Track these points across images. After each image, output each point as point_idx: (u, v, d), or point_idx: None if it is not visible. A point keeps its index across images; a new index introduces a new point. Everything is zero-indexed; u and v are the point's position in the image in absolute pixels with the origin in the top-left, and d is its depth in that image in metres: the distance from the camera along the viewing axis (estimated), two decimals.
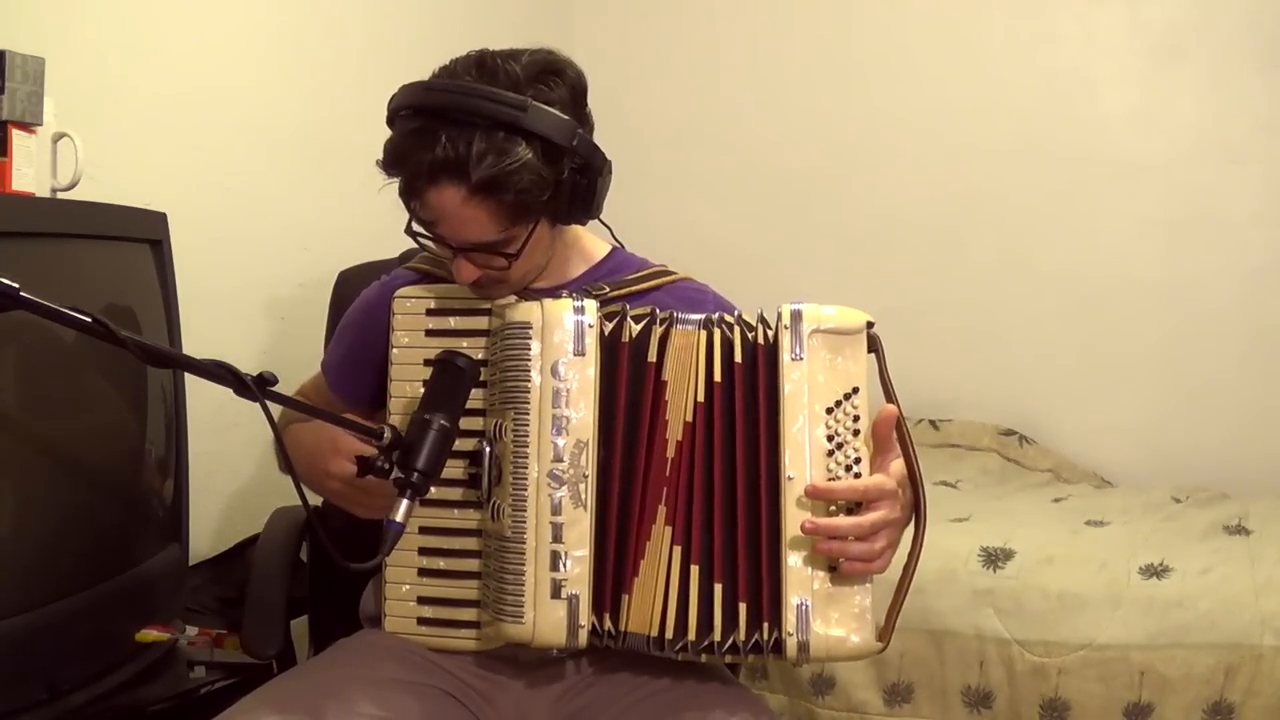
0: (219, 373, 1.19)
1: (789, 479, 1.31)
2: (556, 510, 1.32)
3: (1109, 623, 2.25)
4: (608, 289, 1.47)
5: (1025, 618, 2.30)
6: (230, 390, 1.20)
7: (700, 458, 1.34)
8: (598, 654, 1.39)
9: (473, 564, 1.42)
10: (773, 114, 3.60)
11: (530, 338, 1.34)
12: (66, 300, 1.13)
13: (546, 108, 1.32)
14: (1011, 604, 2.31)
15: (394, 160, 1.35)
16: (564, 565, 1.32)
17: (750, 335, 1.35)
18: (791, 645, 1.30)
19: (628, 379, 1.36)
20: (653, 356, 1.36)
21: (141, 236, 1.86)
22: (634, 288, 1.50)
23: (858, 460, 1.32)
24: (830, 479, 1.31)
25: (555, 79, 1.36)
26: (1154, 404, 3.27)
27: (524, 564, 1.32)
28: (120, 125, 2.13)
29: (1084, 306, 3.32)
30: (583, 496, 1.33)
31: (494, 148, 1.29)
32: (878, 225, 3.50)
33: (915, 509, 1.37)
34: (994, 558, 2.39)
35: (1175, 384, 3.24)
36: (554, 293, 1.41)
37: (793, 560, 1.30)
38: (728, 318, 1.38)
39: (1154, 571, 2.32)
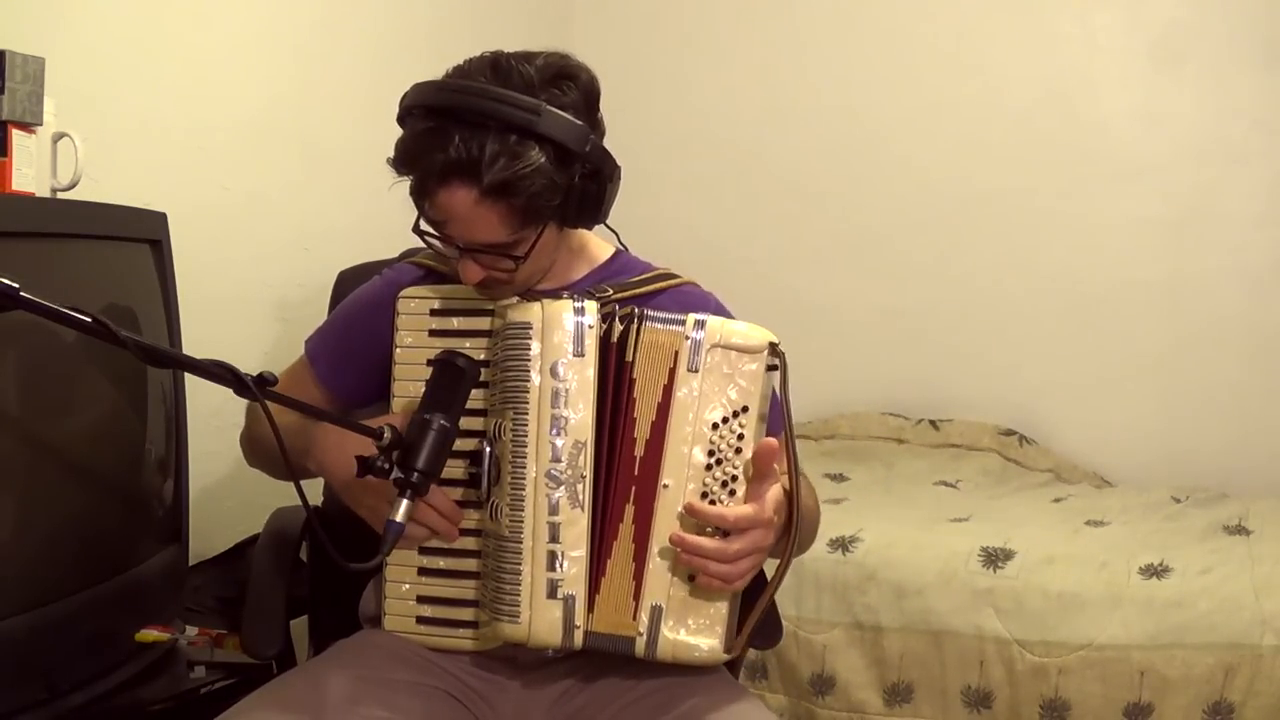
0: (219, 373, 1.19)
1: (664, 486, 1.34)
2: (554, 510, 1.33)
3: (1109, 623, 2.25)
4: (611, 291, 1.47)
5: (1025, 618, 2.30)
6: (230, 390, 1.20)
7: (654, 459, 1.35)
8: (595, 655, 1.39)
9: (473, 564, 1.42)
10: (772, 115, 3.60)
11: (530, 338, 1.35)
12: (66, 300, 1.13)
13: (560, 112, 1.32)
14: (1011, 604, 2.31)
15: (405, 159, 1.35)
16: (560, 565, 1.33)
17: (669, 341, 1.36)
18: (640, 644, 1.34)
19: (614, 379, 1.37)
20: (630, 356, 1.37)
21: (141, 236, 1.86)
22: (637, 290, 1.50)
23: (734, 479, 1.34)
24: (704, 492, 1.34)
25: (569, 83, 1.35)
26: (1154, 404, 3.26)
27: (521, 563, 1.33)
28: (120, 125, 2.13)
29: (1084, 307, 3.32)
30: (580, 497, 1.33)
31: (507, 151, 1.29)
32: (878, 225, 3.50)
33: (787, 530, 1.37)
34: (994, 558, 2.39)
35: (1175, 384, 3.24)
36: (557, 294, 1.41)
37: (654, 564, 1.34)
38: (691, 319, 1.37)
39: (1154, 571, 2.32)
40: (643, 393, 1.36)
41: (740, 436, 1.34)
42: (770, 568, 1.39)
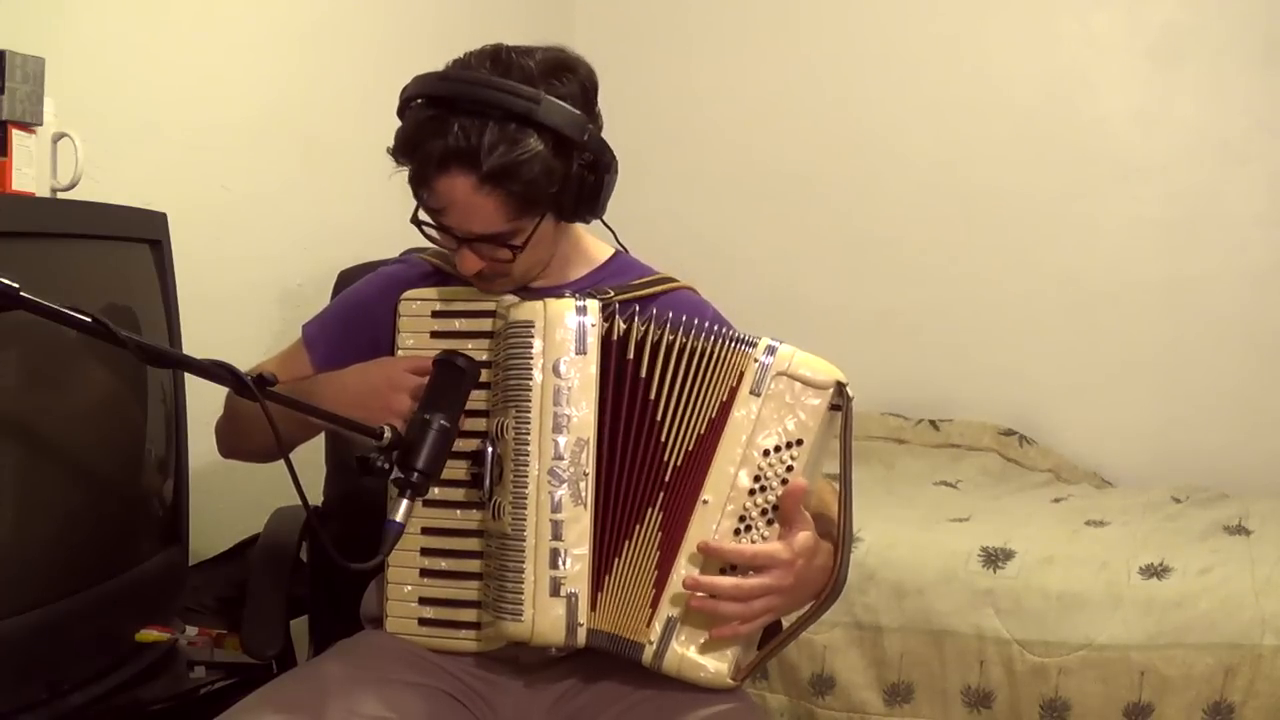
0: (219, 373, 1.19)
1: (704, 502, 1.34)
2: (557, 508, 1.33)
3: (1109, 623, 2.25)
4: (611, 292, 1.47)
5: (1025, 618, 2.30)
6: (230, 390, 1.20)
7: (698, 472, 1.35)
8: (597, 655, 1.39)
9: (475, 565, 1.42)
10: (772, 114, 3.59)
11: (533, 336, 1.35)
12: (66, 300, 1.13)
13: (559, 102, 1.33)
14: (1011, 604, 2.31)
15: (405, 147, 1.36)
16: (563, 563, 1.32)
17: (736, 359, 1.36)
18: (649, 653, 1.34)
19: (619, 378, 1.36)
20: (645, 357, 1.36)
21: (141, 236, 1.86)
22: (637, 292, 1.50)
23: (775, 508, 1.34)
24: (741, 515, 1.33)
25: (568, 75, 1.37)
26: (1154, 404, 3.26)
27: (524, 561, 1.33)
28: (120, 125, 2.12)
29: (1084, 307, 3.32)
30: (583, 494, 1.33)
31: (506, 138, 1.30)
32: (878, 225, 3.50)
33: (834, 573, 1.36)
34: (994, 558, 2.39)
35: (1175, 384, 3.24)
36: (556, 292, 1.41)
37: (678, 577, 1.34)
38: (764, 343, 1.38)
39: (1154, 571, 2.32)
40: (681, 401, 1.36)
41: (789, 468, 1.33)
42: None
